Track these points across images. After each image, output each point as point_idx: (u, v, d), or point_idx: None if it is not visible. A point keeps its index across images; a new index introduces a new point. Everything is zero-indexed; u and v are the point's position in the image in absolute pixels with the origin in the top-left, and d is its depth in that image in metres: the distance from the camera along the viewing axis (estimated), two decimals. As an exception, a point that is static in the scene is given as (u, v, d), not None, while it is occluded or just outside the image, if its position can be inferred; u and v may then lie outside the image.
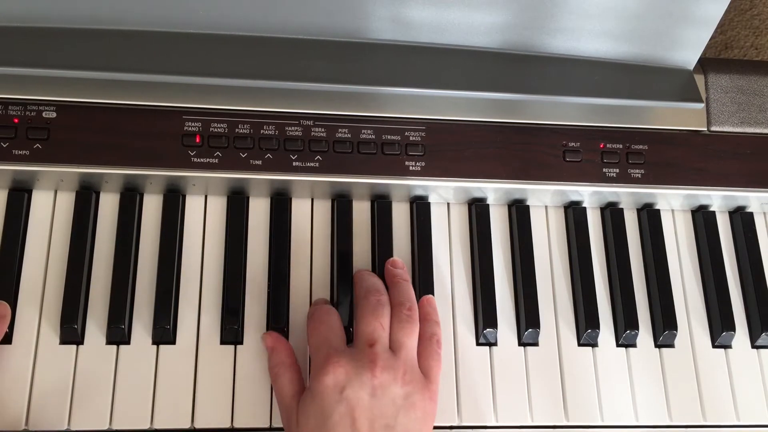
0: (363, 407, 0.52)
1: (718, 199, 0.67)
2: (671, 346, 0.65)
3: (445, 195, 0.65)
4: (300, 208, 0.64)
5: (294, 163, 0.60)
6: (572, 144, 0.64)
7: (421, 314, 0.59)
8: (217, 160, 0.60)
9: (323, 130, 0.61)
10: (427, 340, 0.58)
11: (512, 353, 0.62)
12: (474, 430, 0.60)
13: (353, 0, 0.58)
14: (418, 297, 0.62)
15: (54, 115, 0.59)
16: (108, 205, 0.62)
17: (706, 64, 0.68)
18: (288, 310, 0.61)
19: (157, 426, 0.57)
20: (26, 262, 0.60)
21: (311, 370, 0.55)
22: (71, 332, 0.57)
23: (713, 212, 0.69)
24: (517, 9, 0.59)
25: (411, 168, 0.62)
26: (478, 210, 0.66)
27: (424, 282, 0.63)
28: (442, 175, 0.62)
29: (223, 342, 0.60)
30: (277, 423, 0.58)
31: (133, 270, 0.60)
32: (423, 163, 0.62)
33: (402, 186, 0.63)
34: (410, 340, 0.56)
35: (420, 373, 0.55)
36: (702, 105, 0.64)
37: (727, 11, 0.87)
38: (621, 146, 0.65)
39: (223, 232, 0.63)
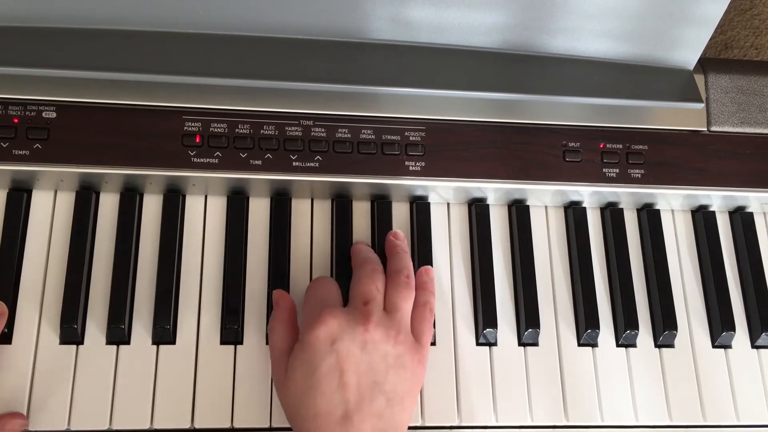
0: (353, 360, 0.52)
1: (718, 199, 0.67)
2: (671, 346, 0.65)
3: (445, 195, 0.65)
4: (300, 208, 0.64)
5: (294, 163, 0.60)
6: (572, 144, 0.64)
7: (418, 282, 0.60)
8: (217, 160, 0.60)
9: (323, 130, 0.61)
10: (420, 307, 0.58)
11: (512, 353, 0.62)
12: (474, 430, 0.60)
13: (353, 0, 0.58)
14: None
15: (54, 115, 0.59)
16: (108, 205, 0.62)
17: (706, 64, 0.68)
18: (288, 310, 0.61)
19: (157, 426, 0.57)
20: (26, 262, 0.60)
21: (303, 325, 0.55)
22: (71, 332, 0.57)
23: (713, 212, 0.69)
24: (517, 9, 0.59)
25: (411, 168, 0.62)
26: (478, 210, 0.66)
27: (424, 282, 0.63)
28: (442, 175, 0.62)
29: (223, 342, 0.60)
30: (277, 423, 0.58)
31: (133, 270, 0.60)
32: (423, 163, 0.62)
33: (402, 186, 0.63)
34: (406, 304, 0.57)
35: (412, 336, 0.56)
36: (702, 105, 0.64)
37: (727, 11, 0.87)
38: (621, 146, 0.65)
39: (223, 232, 0.63)
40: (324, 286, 0.58)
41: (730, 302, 0.66)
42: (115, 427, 0.56)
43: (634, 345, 0.64)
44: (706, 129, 0.67)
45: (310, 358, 0.52)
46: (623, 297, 0.64)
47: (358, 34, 0.61)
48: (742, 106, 0.67)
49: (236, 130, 0.60)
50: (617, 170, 0.64)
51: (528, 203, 0.67)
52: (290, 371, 0.53)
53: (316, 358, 0.52)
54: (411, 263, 0.60)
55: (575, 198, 0.66)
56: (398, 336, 0.54)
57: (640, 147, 0.65)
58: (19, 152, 0.58)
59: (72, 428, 0.56)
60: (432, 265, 0.63)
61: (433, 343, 0.62)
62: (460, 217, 0.66)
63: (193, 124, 0.60)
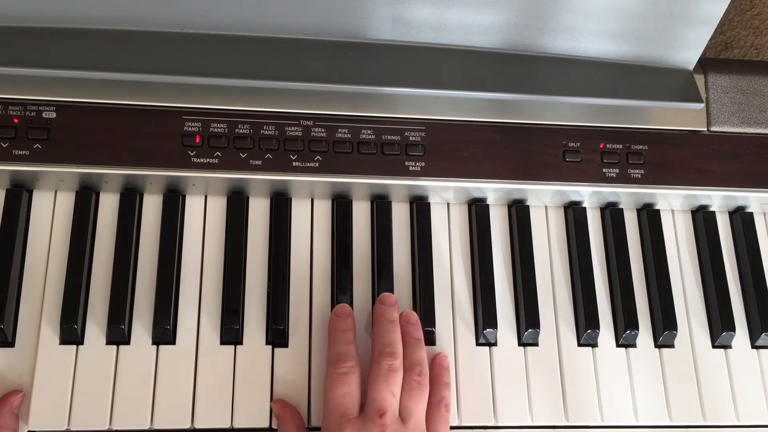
0: None
1: (718, 199, 0.67)
2: (671, 346, 0.65)
3: (445, 195, 0.65)
4: (300, 208, 0.64)
5: (294, 163, 0.60)
6: (572, 144, 0.64)
7: (432, 375, 0.59)
8: (217, 160, 0.60)
9: (323, 130, 0.61)
10: (435, 405, 0.57)
11: (512, 353, 0.62)
12: (474, 430, 0.60)
13: (353, 0, 0.58)
14: (417, 302, 0.62)
15: (54, 115, 0.59)
16: (108, 205, 0.62)
17: (706, 64, 0.68)
18: (288, 310, 0.61)
19: (157, 426, 0.57)
20: (26, 262, 0.60)
21: (323, 429, 0.55)
22: (71, 332, 0.57)
23: (713, 212, 0.69)
24: (517, 9, 0.59)
25: (411, 168, 0.62)
26: (478, 210, 0.66)
27: (423, 282, 0.63)
28: (442, 175, 0.62)
29: (223, 342, 0.60)
30: (277, 423, 0.58)
31: (133, 270, 0.60)
32: (423, 163, 0.62)
33: (402, 186, 0.63)
34: (419, 408, 0.56)
35: None
36: (702, 105, 0.64)
37: (727, 11, 0.87)
38: (621, 146, 0.65)
39: (223, 232, 0.63)
40: (347, 382, 0.55)
41: (730, 302, 0.66)
42: (115, 427, 0.56)
43: (634, 345, 0.64)
44: (706, 129, 0.67)
45: None
46: (623, 297, 0.64)
47: (359, 34, 0.61)
48: (742, 106, 0.67)
49: (236, 130, 0.60)
50: (617, 170, 0.64)
51: (528, 203, 0.67)
52: None
53: None
54: (424, 354, 0.58)
55: (575, 198, 0.66)
56: None
57: (640, 147, 0.65)
58: (19, 152, 0.58)
59: (72, 428, 0.56)
60: (432, 266, 0.63)
61: (433, 343, 0.62)
62: (460, 217, 0.66)
63: (193, 124, 0.60)
